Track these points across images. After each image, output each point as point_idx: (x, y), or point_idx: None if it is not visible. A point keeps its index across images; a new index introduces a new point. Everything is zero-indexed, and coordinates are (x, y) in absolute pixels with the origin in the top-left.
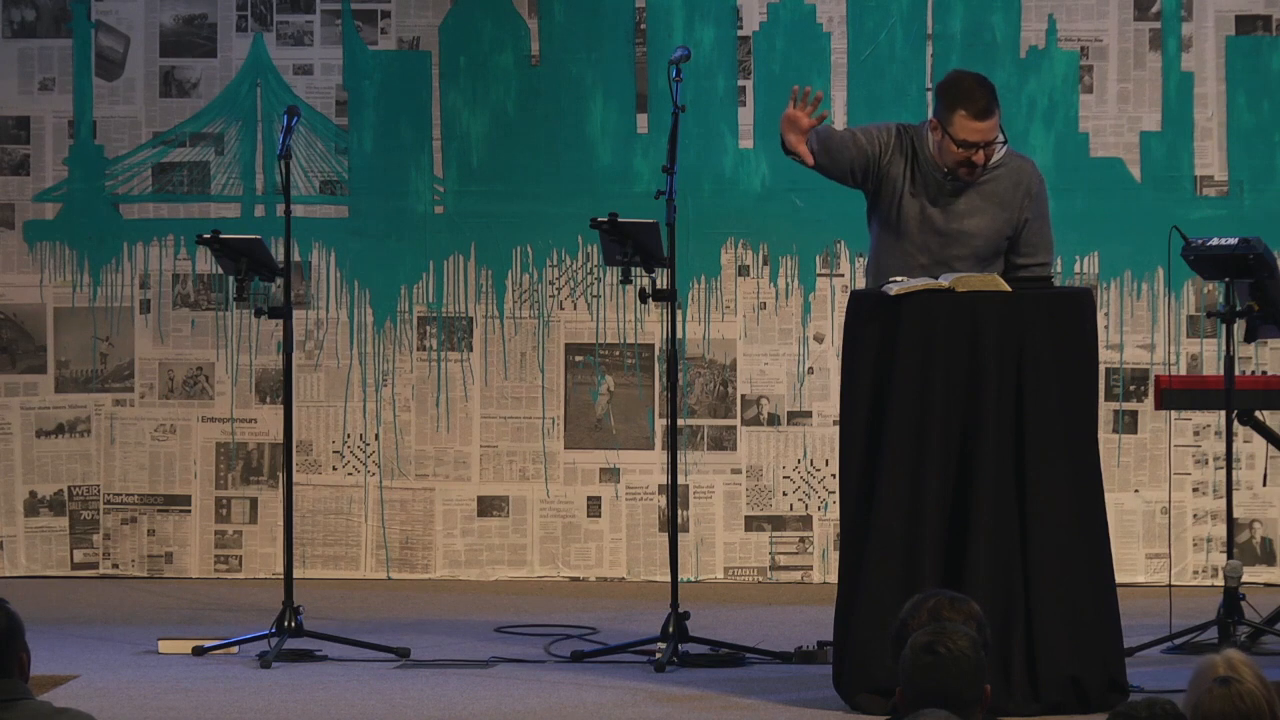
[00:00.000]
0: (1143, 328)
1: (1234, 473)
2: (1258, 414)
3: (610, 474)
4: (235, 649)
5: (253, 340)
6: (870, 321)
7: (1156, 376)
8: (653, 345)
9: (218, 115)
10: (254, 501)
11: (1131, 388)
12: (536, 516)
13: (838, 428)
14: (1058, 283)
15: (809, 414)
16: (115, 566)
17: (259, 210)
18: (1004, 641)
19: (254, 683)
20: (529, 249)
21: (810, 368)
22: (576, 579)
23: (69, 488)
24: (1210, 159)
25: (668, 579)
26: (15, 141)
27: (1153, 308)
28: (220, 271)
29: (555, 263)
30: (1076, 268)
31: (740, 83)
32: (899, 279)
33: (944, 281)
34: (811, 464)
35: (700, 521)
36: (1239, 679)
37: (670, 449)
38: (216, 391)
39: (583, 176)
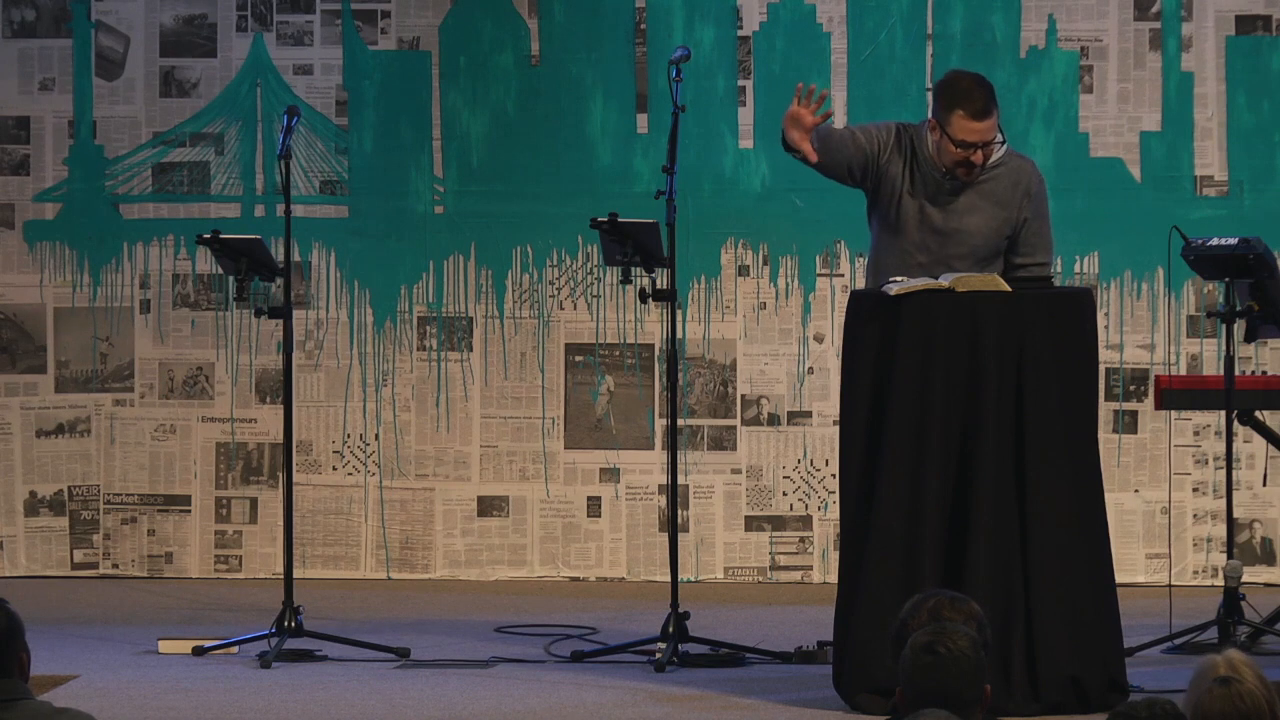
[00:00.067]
0: (1143, 328)
1: (1234, 473)
2: (1258, 414)
3: (610, 474)
4: (235, 649)
5: (253, 340)
6: (870, 321)
7: (1156, 376)
8: (653, 345)
9: (218, 115)
10: (254, 501)
11: (1131, 388)
12: (536, 516)
13: (838, 428)
14: (1058, 283)
15: (809, 414)
16: (115, 566)
17: (259, 210)
18: (1004, 641)
19: (254, 683)
20: (529, 249)
21: (810, 368)
22: (576, 579)
23: (69, 488)
24: (1210, 159)
25: (668, 579)
26: (15, 141)
27: (1153, 308)
28: (220, 271)
29: (555, 263)
30: (1076, 268)
31: (740, 83)
32: (899, 279)
33: (944, 281)
34: (811, 464)
35: (700, 521)
36: (1239, 679)
37: (670, 449)
38: (216, 391)
39: (583, 176)
